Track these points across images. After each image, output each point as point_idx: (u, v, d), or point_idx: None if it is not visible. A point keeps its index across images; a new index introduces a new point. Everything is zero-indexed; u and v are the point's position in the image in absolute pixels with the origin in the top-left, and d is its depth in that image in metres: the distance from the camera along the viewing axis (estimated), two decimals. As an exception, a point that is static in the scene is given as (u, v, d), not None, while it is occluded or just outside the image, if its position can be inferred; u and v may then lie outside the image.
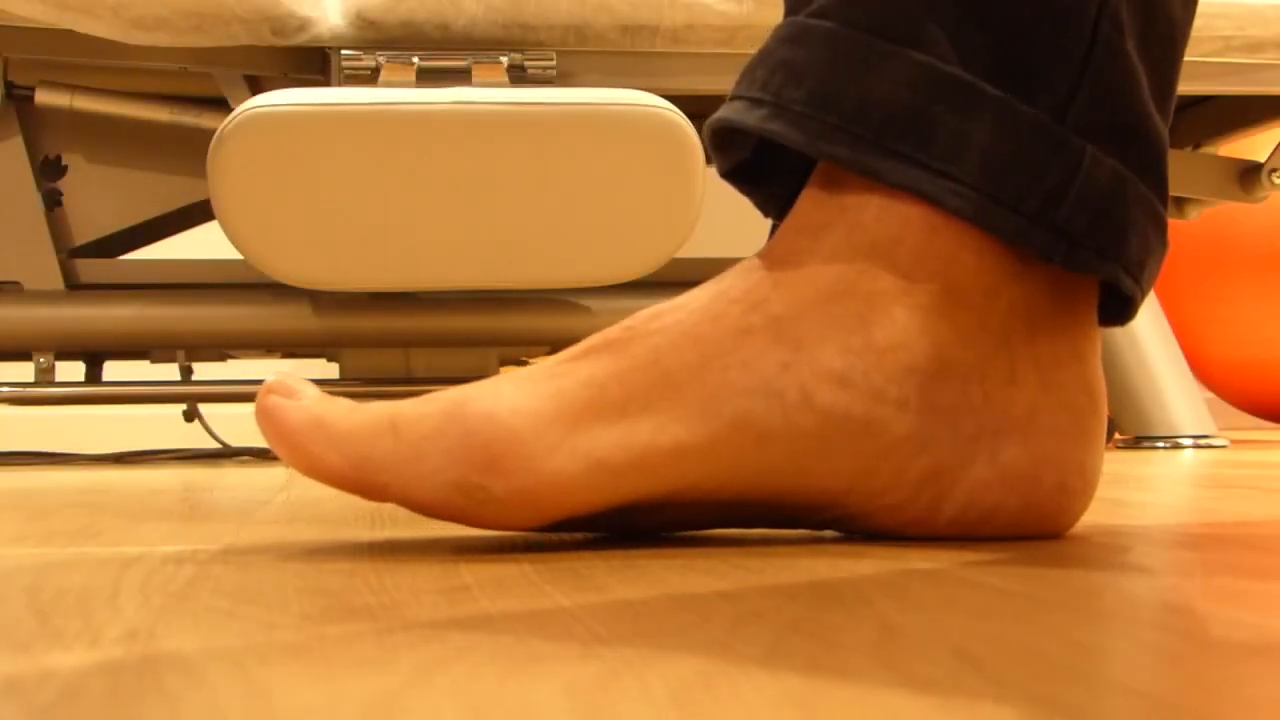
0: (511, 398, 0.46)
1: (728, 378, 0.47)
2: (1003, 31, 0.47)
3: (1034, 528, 0.48)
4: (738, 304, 0.48)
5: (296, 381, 0.47)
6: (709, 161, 1.13)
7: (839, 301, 0.47)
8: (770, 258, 0.49)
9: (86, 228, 1.39)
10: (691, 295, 0.49)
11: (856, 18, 0.48)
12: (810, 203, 0.49)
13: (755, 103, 0.49)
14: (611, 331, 0.48)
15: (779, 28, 0.50)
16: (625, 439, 0.46)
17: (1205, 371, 2.19)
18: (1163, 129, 0.49)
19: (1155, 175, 0.48)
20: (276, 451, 0.47)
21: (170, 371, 1.47)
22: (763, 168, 0.53)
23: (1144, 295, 0.49)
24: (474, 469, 0.45)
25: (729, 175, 0.53)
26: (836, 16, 0.48)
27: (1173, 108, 0.50)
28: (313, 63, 1.25)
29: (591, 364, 0.47)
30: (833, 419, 0.47)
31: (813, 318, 0.47)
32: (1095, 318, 0.49)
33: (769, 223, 0.54)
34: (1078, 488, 0.49)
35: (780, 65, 0.48)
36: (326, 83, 1.23)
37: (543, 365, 0.48)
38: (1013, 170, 0.46)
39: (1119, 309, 0.50)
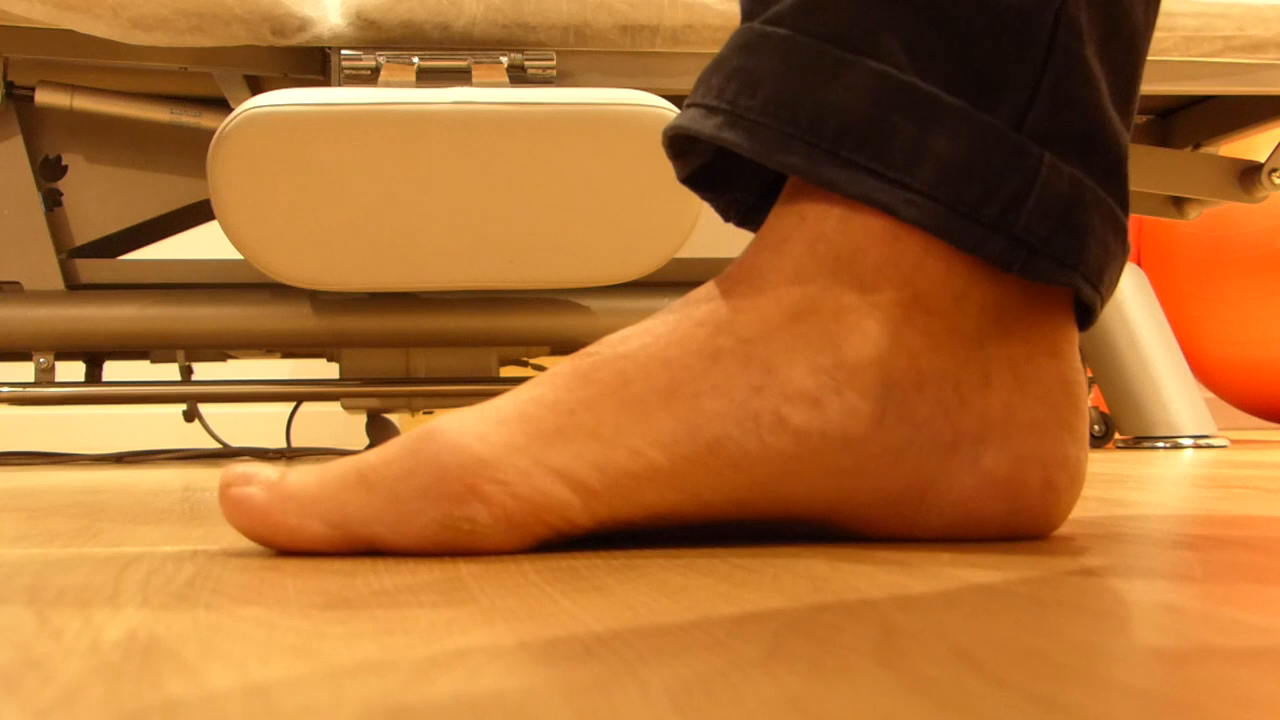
0: (476, 426, 0.46)
1: (700, 404, 0.46)
2: (959, 39, 0.46)
3: (1025, 528, 0.48)
4: (704, 326, 0.47)
5: (250, 468, 0.47)
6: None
7: (806, 320, 0.47)
8: (736, 276, 0.48)
9: (86, 228, 1.39)
10: (658, 318, 0.49)
11: (812, 25, 0.47)
12: (774, 217, 0.49)
13: (711, 110, 0.48)
14: (575, 359, 0.48)
15: (735, 34, 0.49)
16: (601, 460, 0.46)
17: (1205, 371, 2.19)
18: (1123, 134, 0.49)
19: (1115, 181, 0.48)
20: (254, 539, 0.46)
21: (170, 371, 1.47)
22: (722, 174, 0.52)
23: (1104, 302, 0.49)
24: (454, 502, 0.45)
25: (687, 181, 0.53)
26: (792, 24, 0.47)
27: (1135, 111, 0.50)
28: (313, 63, 1.25)
29: (557, 390, 0.47)
30: (808, 439, 0.46)
31: (781, 338, 0.47)
32: (1071, 312, 0.49)
33: (767, 224, 0.54)
34: (1064, 483, 0.48)
35: (736, 73, 0.48)
36: (326, 83, 1.23)
37: (506, 397, 0.47)
38: (970, 178, 0.46)
39: (1080, 316, 0.50)
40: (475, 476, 0.45)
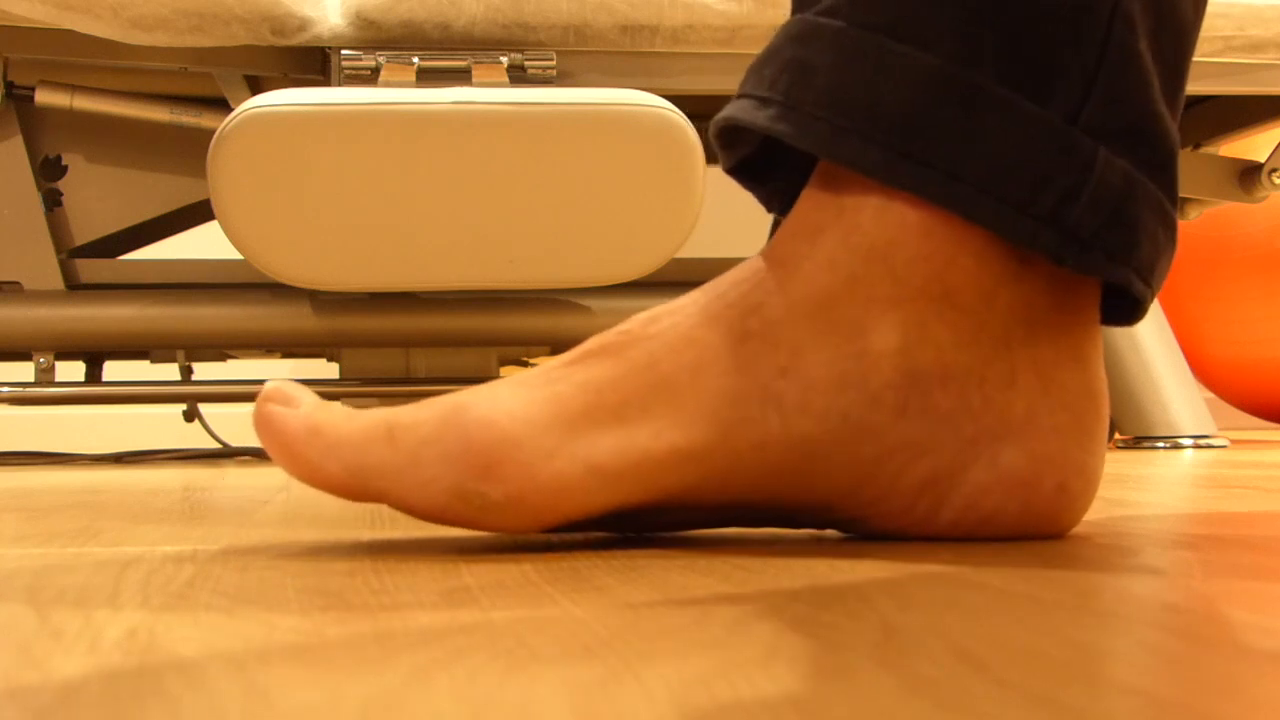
0: (508, 403, 0.46)
1: (725, 383, 0.47)
2: (1015, 32, 0.46)
3: (1035, 530, 0.48)
4: (734, 308, 0.48)
5: (294, 388, 0.47)
6: (709, 161, 1.13)
7: (836, 307, 0.47)
8: (768, 261, 0.49)
9: (86, 228, 1.39)
10: (689, 298, 0.49)
11: (866, 17, 0.47)
12: (808, 204, 0.49)
13: (763, 102, 0.48)
14: (608, 335, 0.48)
15: (787, 25, 0.49)
16: (623, 444, 0.46)
17: (1205, 371, 2.19)
18: (1173, 129, 0.49)
19: (1166, 176, 0.48)
20: (274, 459, 0.47)
21: (170, 371, 1.47)
22: (767, 164, 0.52)
23: (1153, 296, 0.49)
24: (471, 475, 0.45)
25: (733, 171, 0.53)
26: (846, 15, 0.47)
27: (1182, 106, 0.50)
28: (313, 63, 1.25)
29: (588, 368, 0.47)
30: (830, 424, 0.47)
31: (810, 323, 0.47)
32: (1097, 318, 0.49)
33: (768, 223, 0.54)
34: (1078, 489, 0.48)
35: (789, 64, 0.48)
36: (326, 83, 1.23)
37: (539, 370, 0.48)
38: (1024, 173, 0.46)
39: (1128, 310, 0.50)
40: (499, 454, 0.45)
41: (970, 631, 0.30)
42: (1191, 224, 1.66)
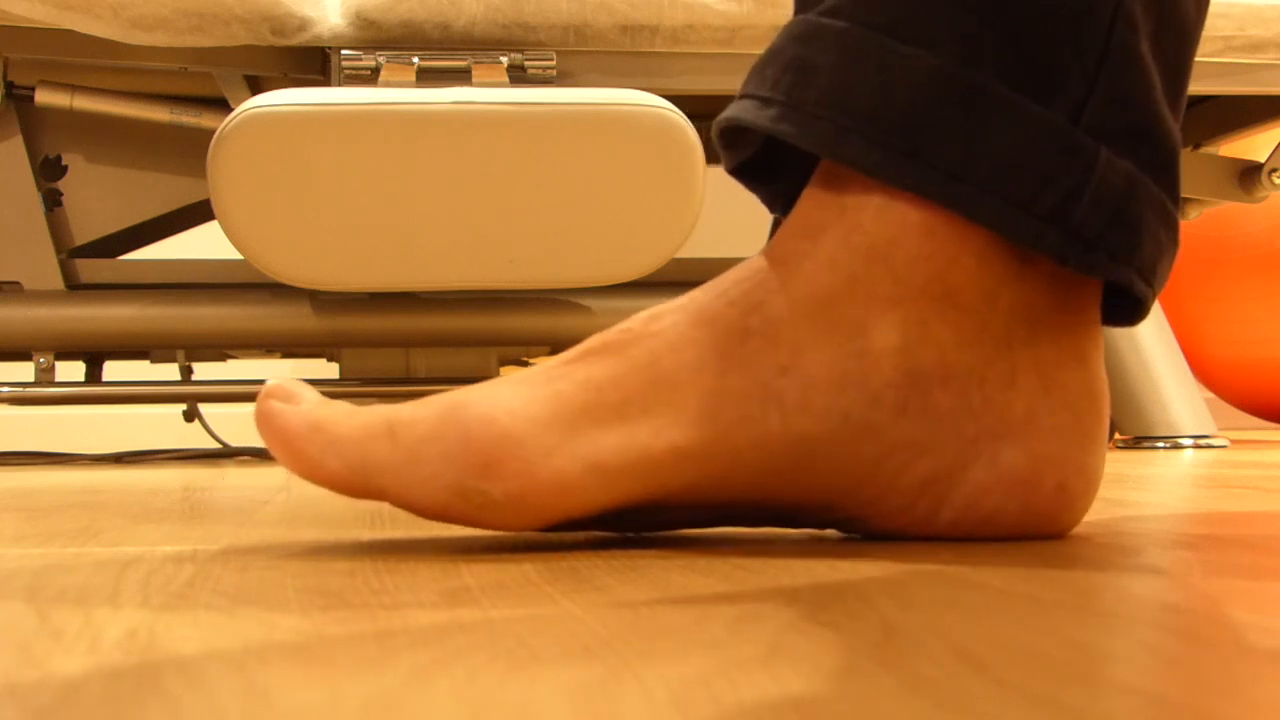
0: (509, 401, 0.46)
1: (725, 381, 0.47)
2: (1017, 32, 0.46)
3: (1035, 530, 0.48)
4: (735, 306, 0.48)
5: (295, 385, 0.48)
6: (709, 161, 1.13)
7: (837, 306, 0.47)
8: (769, 260, 0.49)
9: (86, 228, 1.39)
10: (690, 297, 0.49)
11: (870, 17, 0.47)
12: (810, 203, 0.49)
13: (766, 102, 0.48)
14: (609, 334, 0.48)
15: (790, 25, 0.49)
16: (623, 442, 0.46)
17: (1205, 371, 2.19)
18: (1175, 129, 0.49)
19: (1168, 176, 0.48)
20: (275, 455, 0.47)
21: (170, 371, 1.47)
22: (770, 164, 0.52)
23: (1155, 297, 0.49)
24: (472, 473, 0.45)
25: (735, 172, 0.53)
26: (849, 15, 0.47)
27: (1184, 107, 0.50)
28: (313, 63, 1.25)
29: (589, 366, 0.47)
30: (830, 423, 0.47)
31: (811, 322, 0.47)
32: (1098, 318, 0.49)
33: (768, 223, 0.54)
34: (1078, 489, 0.48)
35: (791, 64, 0.48)
36: (326, 83, 1.23)
37: (540, 368, 0.48)
38: (1026, 173, 0.46)
39: (1130, 310, 0.50)
40: (499, 451, 0.45)
41: (970, 631, 0.30)
42: (1191, 224, 1.66)
